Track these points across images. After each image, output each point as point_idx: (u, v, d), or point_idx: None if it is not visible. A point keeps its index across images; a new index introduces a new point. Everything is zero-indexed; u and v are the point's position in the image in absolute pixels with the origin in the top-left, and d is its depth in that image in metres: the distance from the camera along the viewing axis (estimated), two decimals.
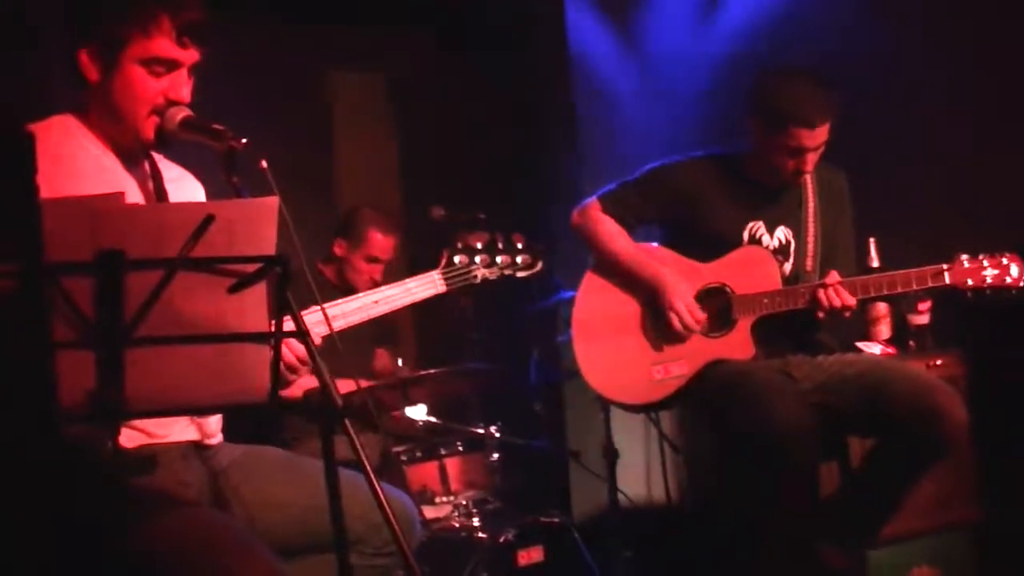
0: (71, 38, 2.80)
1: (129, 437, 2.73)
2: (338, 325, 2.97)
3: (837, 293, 3.97)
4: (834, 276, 4.02)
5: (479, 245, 3.27)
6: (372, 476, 2.48)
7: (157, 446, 2.79)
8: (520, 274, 3.35)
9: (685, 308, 4.14)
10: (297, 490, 2.96)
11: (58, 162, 2.72)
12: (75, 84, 2.82)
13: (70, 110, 2.86)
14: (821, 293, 3.99)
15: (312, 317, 2.78)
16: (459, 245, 3.26)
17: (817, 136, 4.06)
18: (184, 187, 3.02)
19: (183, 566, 2.49)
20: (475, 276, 3.26)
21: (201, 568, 2.48)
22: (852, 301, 3.98)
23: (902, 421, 3.87)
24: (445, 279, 3.21)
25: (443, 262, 3.24)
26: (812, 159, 4.12)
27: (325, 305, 2.91)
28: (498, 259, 3.29)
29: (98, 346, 2.14)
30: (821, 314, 4.02)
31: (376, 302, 3.10)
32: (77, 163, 2.77)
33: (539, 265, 3.38)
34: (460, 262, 3.24)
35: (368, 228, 5.42)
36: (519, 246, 3.33)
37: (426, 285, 3.20)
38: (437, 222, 5.36)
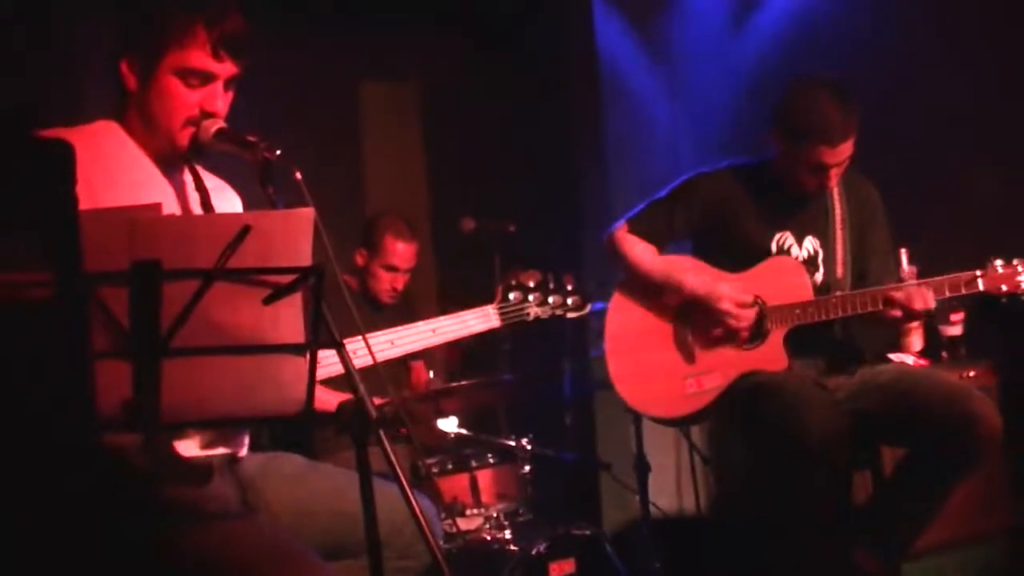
0: (113, 46, 2.82)
1: (188, 447, 2.75)
2: (393, 352, 3.06)
3: (919, 294, 3.94)
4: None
5: (531, 284, 3.36)
6: (403, 480, 2.48)
7: (209, 458, 2.81)
8: (570, 315, 3.45)
9: (734, 305, 4.14)
10: (322, 497, 2.98)
11: (105, 168, 2.74)
12: (116, 92, 2.84)
13: (111, 116, 2.88)
14: (901, 295, 3.96)
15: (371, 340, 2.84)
16: (513, 282, 3.37)
17: (839, 153, 4.04)
18: (223, 198, 3.04)
19: None
20: (528, 314, 3.37)
21: None
22: (932, 302, 3.94)
23: (935, 428, 3.84)
24: (500, 314, 3.31)
25: (498, 297, 3.33)
26: (835, 174, 4.11)
27: (379, 332, 3.07)
28: (550, 299, 3.38)
29: (134, 356, 2.15)
30: (899, 313, 3.98)
31: (433, 331, 3.18)
32: (123, 170, 2.79)
33: (588, 307, 3.49)
34: (514, 299, 3.33)
35: (385, 236, 5.35)
36: (569, 288, 3.43)
37: (482, 319, 3.30)
38: (467, 233, 5.36)
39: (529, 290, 3.36)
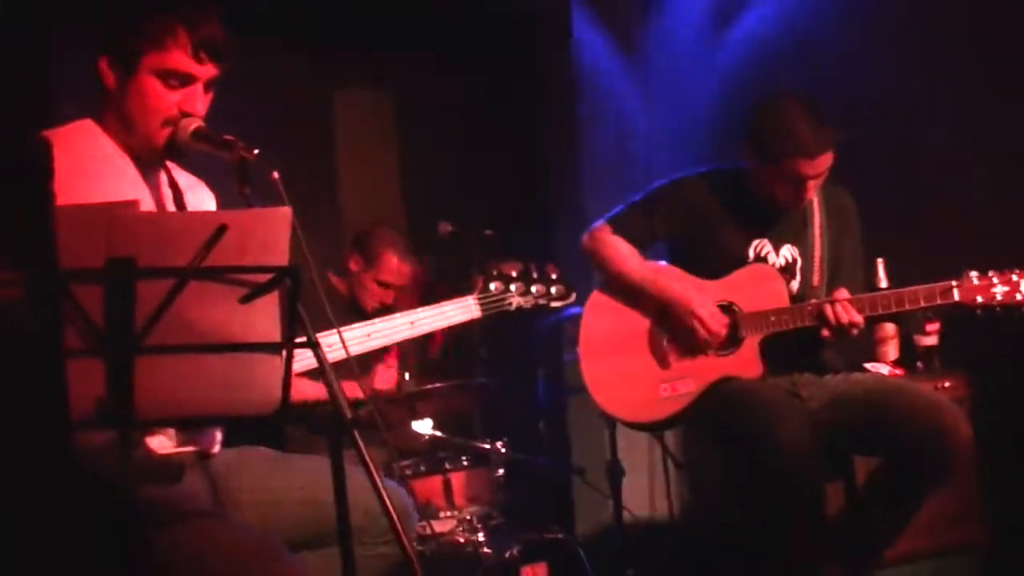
0: (93, 45, 2.82)
1: (160, 444, 2.75)
2: (370, 344, 3.02)
3: (844, 309, 3.94)
4: (843, 292, 4.00)
5: (514, 274, 3.32)
6: (372, 468, 2.48)
7: (181, 454, 2.80)
8: (554, 304, 3.41)
9: (708, 315, 4.11)
10: (293, 486, 2.99)
11: (79, 167, 2.74)
12: (95, 90, 2.84)
13: (89, 115, 2.88)
14: (828, 309, 3.96)
15: (348, 334, 2.82)
16: (494, 272, 3.31)
17: (818, 165, 4.01)
18: (196, 195, 3.04)
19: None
20: (510, 304, 3.32)
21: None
22: (859, 318, 3.94)
23: (907, 439, 3.84)
24: (480, 305, 3.26)
25: (478, 288, 3.28)
26: (812, 187, 4.09)
27: (355, 325, 3.05)
28: (533, 288, 3.34)
29: (107, 354, 2.14)
30: (827, 331, 3.98)
31: (412, 323, 3.14)
32: (97, 168, 2.80)
33: (572, 296, 3.43)
34: (495, 289, 3.28)
35: (383, 250, 5.28)
36: (553, 276, 3.38)
37: (462, 309, 3.24)
38: (444, 238, 5.33)
39: (511, 279, 3.32)
